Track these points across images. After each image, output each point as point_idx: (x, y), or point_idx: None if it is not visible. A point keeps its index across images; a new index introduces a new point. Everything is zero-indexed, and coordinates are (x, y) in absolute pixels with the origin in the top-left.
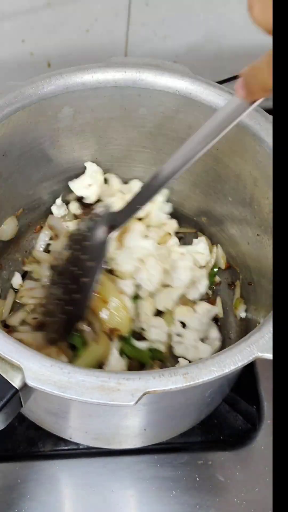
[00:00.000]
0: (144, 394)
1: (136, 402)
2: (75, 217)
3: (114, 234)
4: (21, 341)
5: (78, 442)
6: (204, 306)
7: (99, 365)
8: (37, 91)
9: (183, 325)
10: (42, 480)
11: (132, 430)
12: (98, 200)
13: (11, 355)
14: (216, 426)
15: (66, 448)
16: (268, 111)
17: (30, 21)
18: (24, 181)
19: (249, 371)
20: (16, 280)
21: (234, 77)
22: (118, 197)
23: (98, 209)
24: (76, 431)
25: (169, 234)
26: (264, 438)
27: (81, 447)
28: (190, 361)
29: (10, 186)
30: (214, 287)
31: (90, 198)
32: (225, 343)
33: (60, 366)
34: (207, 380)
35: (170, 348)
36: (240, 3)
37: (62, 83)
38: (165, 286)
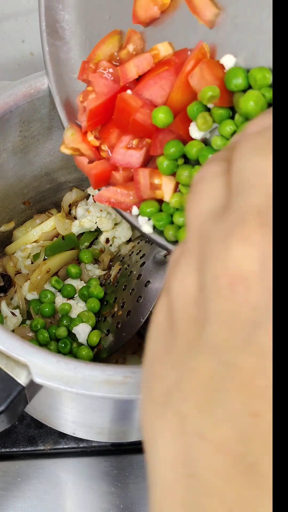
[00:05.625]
0: None
1: None
2: None
3: None
4: None
5: (81, 437)
6: None
7: None
8: (30, 90)
9: None
10: (42, 479)
11: (136, 423)
12: None
13: (17, 352)
14: None
15: (66, 446)
16: None
17: (30, 21)
18: (18, 180)
19: None
20: None
21: None
22: None
23: None
24: (79, 427)
25: None
26: None
27: (81, 445)
28: None
29: (4, 186)
30: None
31: None
32: None
33: (66, 361)
34: None
35: None
36: None
37: None
38: None
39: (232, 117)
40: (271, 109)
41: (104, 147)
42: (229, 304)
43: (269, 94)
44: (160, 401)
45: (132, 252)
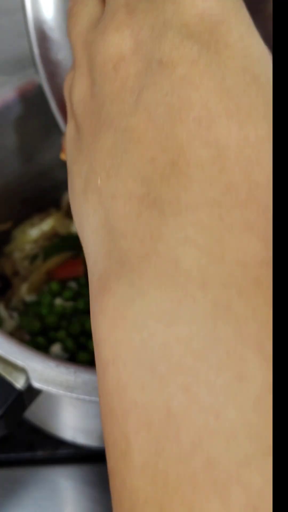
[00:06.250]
0: None
1: None
2: None
3: None
4: None
5: (81, 443)
6: None
7: None
8: (28, 85)
9: None
10: (41, 486)
11: None
12: None
13: (15, 356)
14: None
15: (66, 452)
16: None
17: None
18: (16, 179)
19: None
20: None
21: None
22: None
23: None
24: (79, 432)
25: None
26: None
27: (81, 452)
28: None
29: (2, 185)
30: None
31: None
32: None
33: (66, 366)
34: None
35: None
36: None
37: None
38: None
39: None
40: None
41: None
42: (116, 82)
43: None
44: (81, 190)
45: None
